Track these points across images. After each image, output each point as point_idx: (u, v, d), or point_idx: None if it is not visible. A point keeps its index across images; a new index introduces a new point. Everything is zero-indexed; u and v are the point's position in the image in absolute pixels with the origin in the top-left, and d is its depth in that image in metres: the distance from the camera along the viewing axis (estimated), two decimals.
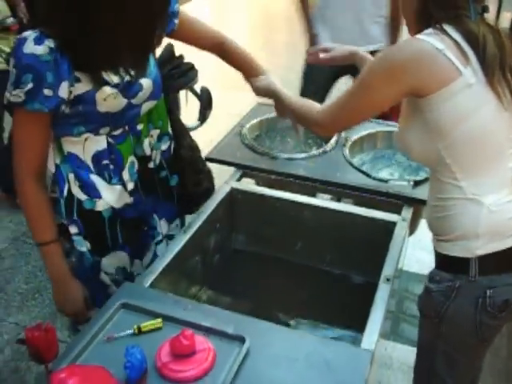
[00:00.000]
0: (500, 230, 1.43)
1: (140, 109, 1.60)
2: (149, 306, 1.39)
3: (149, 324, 1.34)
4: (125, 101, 1.53)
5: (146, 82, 1.58)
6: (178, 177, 1.82)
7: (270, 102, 1.90)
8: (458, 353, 1.58)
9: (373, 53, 1.88)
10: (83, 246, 1.63)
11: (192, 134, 1.97)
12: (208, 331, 1.32)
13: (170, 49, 1.90)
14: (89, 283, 1.66)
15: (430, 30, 1.39)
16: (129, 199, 1.66)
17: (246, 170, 2.10)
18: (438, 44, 1.34)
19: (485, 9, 1.41)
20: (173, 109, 1.86)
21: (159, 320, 1.35)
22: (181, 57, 1.94)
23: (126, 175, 1.63)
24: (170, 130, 1.79)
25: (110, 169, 1.60)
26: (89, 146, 1.56)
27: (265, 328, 1.38)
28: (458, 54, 1.34)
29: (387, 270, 1.61)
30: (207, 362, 1.24)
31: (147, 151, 1.69)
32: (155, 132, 1.72)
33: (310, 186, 2.02)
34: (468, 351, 1.59)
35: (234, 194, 1.99)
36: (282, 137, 2.37)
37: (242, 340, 1.29)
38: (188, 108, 2.29)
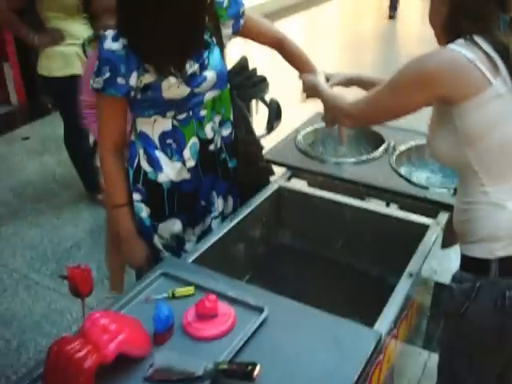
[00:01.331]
0: None
1: (203, 97, 1.81)
2: (185, 276, 1.56)
3: (182, 290, 1.51)
4: (188, 89, 1.75)
5: (210, 74, 1.77)
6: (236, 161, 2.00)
7: None
8: (477, 354, 1.61)
9: None
10: (143, 211, 1.89)
11: None
12: (232, 300, 1.47)
13: (243, 61, 2.11)
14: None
15: (461, 41, 1.42)
16: (187, 175, 1.87)
17: (295, 171, 2.24)
18: (469, 55, 1.37)
19: None
20: (235, 101, 2.01)
21: (191, 288, 1.51)
22: (254, 69, 2.15)
23: (186, 154, 1.84)
24: (231, 117, 1.96)
25: (172, 147, 1.83)
26: (157, 126, 1.80)
27: (286, 304, 1.51)
28: (489, 65, 1.37)
29: (412, 267, 1.70)
30: (227, 324, 1.38)
31: (209, 135, 1.87)
32: (217, 118, 1.90)
33: (355, 188, 2.13)
34: (488, 353, 1.62)
35: (281, 192, 2.13)
36: (336, 144, 2.49)
37: (261, 310, 1.43)
38: (257, 117, 2.47)
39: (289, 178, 2.24)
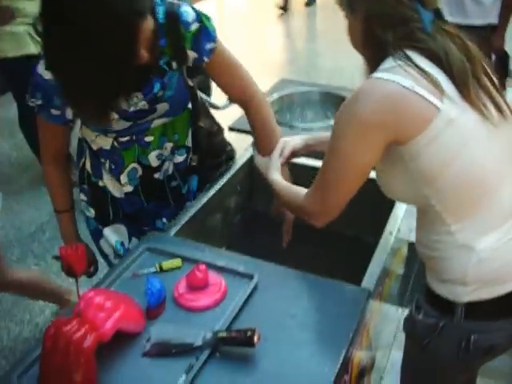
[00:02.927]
0: (489, 278, 1.29)
1: (150, 124, 1.65)
2: (170, 249, 1.55)
3: (169, 263, 1.50)
4: (128, 123, 1.60)
5: (161, 106, 1.60)
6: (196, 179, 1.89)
7: (292, 77, 2.00)
8: (439, 375, 1.52)
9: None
10: (89, 212, 1.85)
11: (221, 112, 2.09)
12: (221, 269, 1.47)
13: None
14: (92, 246, 1.88)
15: (390, 63, 1.20)
16: (126, 197, 1.79)
17: None
18: (404, 82, 1.15)
19: (438, 13, 1.24)
20: (196, 95, 1.82)
21: (179, 260, 1.51)
22: None
23: (124, 178, 1.74)
24: (188, 142, 1.80)
25: (111, 167, 1.73)
26: (97, 141, 1.70)
27: (274, 269, 1.52)
28: (429, 86, 1.16)
29: (391, 225, 1.73)
30: (218, 293, 1.38)
31: (153, 163, 1.72)
32: (169, 145, 1.74)
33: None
34: (450, 376, 1.54)
35: (253, 160, 2.13)
36: (302, 110, 2.50)
37: (251, 277, 1.44)
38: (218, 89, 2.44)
39: None
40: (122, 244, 1.84)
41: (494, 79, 1.29)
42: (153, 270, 1.49)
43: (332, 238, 2.10)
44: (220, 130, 1.96)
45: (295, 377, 1.18)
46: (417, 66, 1.17)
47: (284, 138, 1.72)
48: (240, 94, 1.74)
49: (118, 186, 1.76)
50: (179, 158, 1.79)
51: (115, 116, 1.54)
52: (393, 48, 1.21)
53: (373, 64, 1.25)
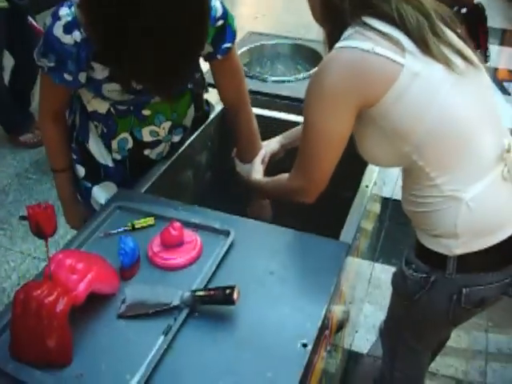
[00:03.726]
0: (479, 228, 1.31)
1: (150, 99, 1.61)
2: (142, 208, 1.50)
3: (142, 221, 1.44)
4: (131, 97, 1.55)
5: None
6: None
7: (261, 30, 1.94)
8: (425, 330, 1.58)
9: None
10: (78, 171, 1.77)
11: None
12: (196, 226, 1.42)
13: None
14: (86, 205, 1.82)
15: (349, 30, 1.23)
16: (112, 163, 1.73)
17: None
18: (363, 45, 1.18)
19: None
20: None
21: (152, 218, 1.45)
22: None
23: (114, 144, 1.69)
24: (185, 122, 1.79)
25: (103, 131, 1.67)
26: (93, 103, 1.62)
27: (250, 224, 1.49)
28: (390, 45, 1.18)
29: (366, 179, 1.70)
30: (194, 251, 1.34)
31: (145, 137, 1.69)
32: (167, 124, 1.70)
33: (297, 105, 2.09)
34: (436, 330, 1.60)
35: (224, 115, 2.06)
36: (272, 63, 2.44)
37: (227, 233, 1.39)
38: None
39: None
40: None
41: (458, 30, 1.30)
42: (125, 228, 1.43)
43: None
44: (204, 85, 1.91)
45: (277, 333, 1.16)
46: (374, 29, 1.19)
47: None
48: (235, 99, 1.78)
49: (104, 153, 1.71)
50: (176, 138, 1.78)
51: (118, 87, 1.50)
52: (350, 17, 1.23)
53: (333, 38, 1.27)
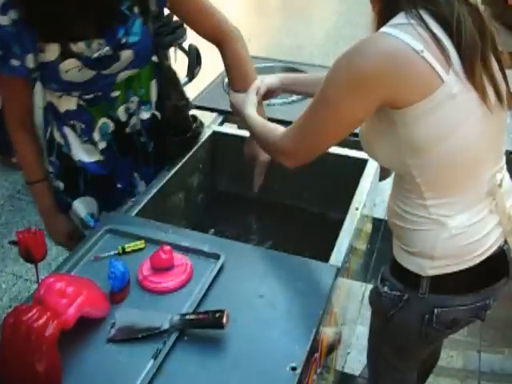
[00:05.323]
0: (456, 254, 1.32)
1: (115, 77, 1.59)
2: (132, 231, 1.50)
3: (132, 245, 1.45)
4: (92, 72, 1.52)
5: (125, 54, 1.54)
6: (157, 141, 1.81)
7: (254, 52, 1.94)
8: (403, 347, 1.58)
9: None
10: (58, 185, 1.76)
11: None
12: (186, 250, 1.43)
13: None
14: None
15: (402, 18, 1.14)
16: (100, 157, 1.71)
17: (227, 115, 2.19)
18: (415, 44, 1.09)
19: None
20: (163, 69, 1.76)
21: (142, 241, 1.46)
22: (170, 15, 1.89)
23: (96, 135, 1.67)
24: (152, 97, 1.74)
25: (80, 127, 1.65)
26: (62, 102, 1.61)
27: (240, 248, 1.49)
28: (439, 54, 1.11)
29: (356, 201, 1.71)
30: (184, 275, 1.34)
31: (122, 117, 1.68)
32: (135, 99, 1.69)
33: None
34: (413, 349, 1.59)
35: (215, 137, 2.08)
36: None
37: (217, 257, 1.40)
38: (177, 65, 2.38)
39: (221, 123, 2.18)
40: (92, 215, 1.78)
41: (501, 61, 1.23)
42: (115, 252, 1.43)
43: (298, 215, 2.09)
44: (187, 105, 1.90)
45: (266, 357, 1.16)
46: (429, 29, 1.11)
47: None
48: (212, 32, 1.71)
49: (90, 149, 1.69)
50: (145, 115, 1.73)
51: (78, 63, 1.48)
52: (406, 3, 1.14)
53: (382, 17, 1.18)
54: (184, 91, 1.88)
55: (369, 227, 2.27)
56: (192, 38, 2.08)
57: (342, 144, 1.98)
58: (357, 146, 1.96)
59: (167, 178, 1.81)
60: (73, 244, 1.68)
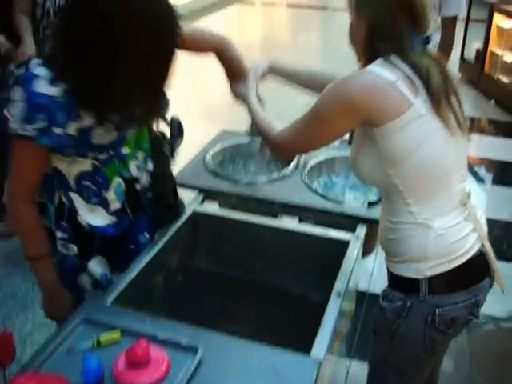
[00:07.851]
0: (446, 252, 1.51)
1: (126, 134, 1.65)
2: (109, 321, 1.45)
3: (107, 336, 1.40)
4: (116, 134, 1.59)
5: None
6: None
7: (234, 129, 1.98)
8: (408, 366, 1.67)
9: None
10: (69, 250, 1.71)
11: None
12: (163, 342, 1.38)
13: None
14: (68, 287, 1.74)
15: (380, 61, 1.46)
16: (111, 219, 1.70)
17: (208, 193, 2.18)
18: (390, 77, 1.41)
19: (427, 40, 1.50)
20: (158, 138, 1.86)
21: (117, 331, 1.41)
22: None
23: (111, 195, 1.68)
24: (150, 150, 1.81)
25: (90, 189, 1.65)
26: (74, 166, 1.61)
27: (219, 339, 1.44)
28: (409, 86, 1.42)
29: (339, 286, 1.68)
30: (161, 370, 1.29)
31: (134, 173, 1.73)
32: (141, 154, 1.76)
33: (270, 207, 2.10)
34: (417, 364, 1.67)
35: (195, 217, 2.06)
36: (245, 163, 2.46)
37: (195, 350, 1.36)
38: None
39: (202, 201, 2.17)
40: (106, 276, 1.74)
41: (460, 99, 1.53)
42: (90, 344, 1.38)
43: (278, 296, 2.05)
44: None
45: None
46: (400, 69, 1.43)
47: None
48: (216, 46, 1.92)
49: (100, 211, 1.68)
50: (150, 166, 1.81)
51: (110, 126, 1.54)
52: (383, 56, 1.46)
53: (364, 60, 1.51)
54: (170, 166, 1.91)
55: (352, 307, 2.23)
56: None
57: (324, 224, 2.00)
58: (339, 225, 1.99)
59: (146, 261, 1.76)
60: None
